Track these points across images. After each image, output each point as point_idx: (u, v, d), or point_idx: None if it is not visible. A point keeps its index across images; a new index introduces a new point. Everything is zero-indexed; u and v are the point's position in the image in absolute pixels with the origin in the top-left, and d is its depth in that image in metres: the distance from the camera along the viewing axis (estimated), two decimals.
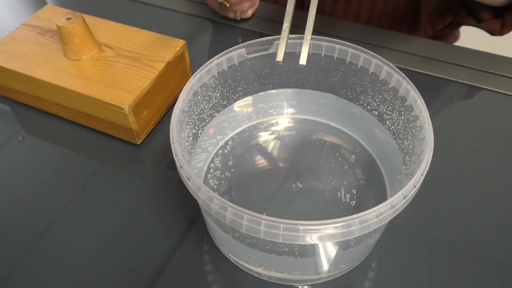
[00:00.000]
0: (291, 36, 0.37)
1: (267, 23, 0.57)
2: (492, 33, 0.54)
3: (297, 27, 0.37)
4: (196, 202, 0.29)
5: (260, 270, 0.35)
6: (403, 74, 0.35)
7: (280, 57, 0.36)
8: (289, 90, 0.43)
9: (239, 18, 0.57)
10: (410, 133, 0.35)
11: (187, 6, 0.60)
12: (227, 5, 0.53)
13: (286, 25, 0.35)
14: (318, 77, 0.41)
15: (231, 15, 0.56)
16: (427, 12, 0.65)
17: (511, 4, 0.51)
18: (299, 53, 0.38)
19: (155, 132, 0.46)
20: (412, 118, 0.34)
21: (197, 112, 0.37)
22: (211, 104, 0.39)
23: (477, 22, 0.56)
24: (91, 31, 0.45)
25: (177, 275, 0.35)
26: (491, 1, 0.49)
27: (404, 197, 0.28)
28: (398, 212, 0.28)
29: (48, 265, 0.36)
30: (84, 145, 0.45)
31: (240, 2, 0.53)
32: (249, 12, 0.56)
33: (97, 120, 0.44)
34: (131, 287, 0.35)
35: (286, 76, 0.41)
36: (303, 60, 0.35)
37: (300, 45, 0.38)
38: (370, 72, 0.37)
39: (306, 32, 0.35)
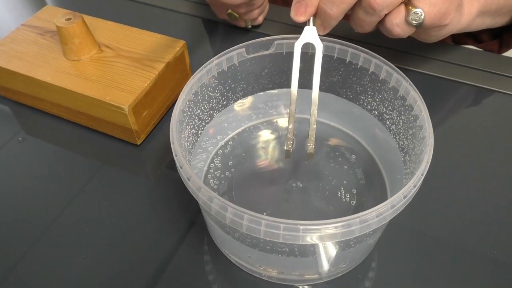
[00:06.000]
0: (291, 36, 0.37)
1: (267, 23, 0.57)
2: (491, 52, 0.55)
3: (299, 27, 0.37)
4: (196, 202, 0.29)
5: (260, 270, 0.35)
6: (403, 74, 0.35)
7: (288, 155, 0.37)
8: (289, 90, 0.43)
9: (250, 26, 0.55)
10: (410, 133, 0.35)
11: (187, 6, 0.60)
12: (237, 15, 0.52)
13: (291, 127, 0.36)
14: None
15: (241, 24, 0.55)
16: None
17: (509, 25, 0.51)
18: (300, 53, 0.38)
19: (155, 132, 0.46)
20: (412, 118, 0.34)
21: (197, 112, 0.37)
22: (211, 104, 0.39)
23: (476, 42, 0.57)
24: (91, 32, 0.45)
25: (177, 275, 0.35)
26: (492, 25, 0.49)
27: (404, 197, 0.28)
28: (398, 212, 0.28)
29: (48, 265, 0.36)
30: (84, 145, 0.45)
31: (249, 11, 0.52)
32: (260, 19, 0.55)
33: (97, 120, 0.44)
34: (131, 287, 0.35)
35: (286, 76, 0.41)
36: (310, 152, 0.36)
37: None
38: (370, 72, 0.37)
39: (310, 126, 0.35)
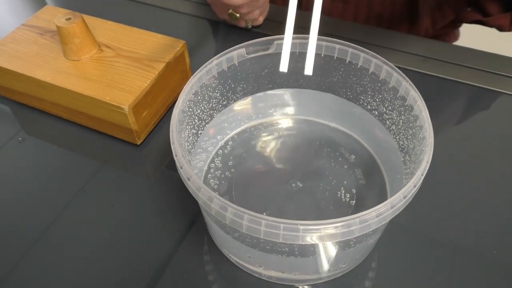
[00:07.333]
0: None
1: (267, 23, 0.57)
2: (500, 28, 0.52)
3: (299, 28, 0.37)
4: (196, 202, 0.29)
5: (260, 270, 0.35)
6: (403, 74, 0.35)
7: (284, 67, 0.33)
8: (289, 90, 0.43)
9: (250, 26, 0.56)
10: (410, 133, 0.35)
11: (187, 6, 0.60)
12: (237, 15, 0.52)
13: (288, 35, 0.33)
14: (318, 77, 0.41)
15: (242, 24, 0.55)
16: (426, 10, 0.65)
17: None
18: (299, 53, 0.38)
19: (155, 132, 0.46)
20: (412, 118, 0.34)
21: (197, 112, 0.37)
22: (211, 104, 0.39)
23: (484, 16, 0.53)
24: (91, 32, 0.45)
25: (177, 275, 0.35)
26: None
27: (404, 197, 0.28)
28: (398, 212, 0.28)
29: (48, 265, 0.36)
30: (84, 145, 0.45)
31: (250, 11, 0.52)
32: (261, 19, 0.55)
33: (97, 120, 0.44)
34: (131, 287, 0.35)
35: (286, 76, 0.41)
36: (308, 70, 0.32)
37: (301, 45, 0.38)
38: (370, 72, 0.37)
39: (310, 38, 0.33)
